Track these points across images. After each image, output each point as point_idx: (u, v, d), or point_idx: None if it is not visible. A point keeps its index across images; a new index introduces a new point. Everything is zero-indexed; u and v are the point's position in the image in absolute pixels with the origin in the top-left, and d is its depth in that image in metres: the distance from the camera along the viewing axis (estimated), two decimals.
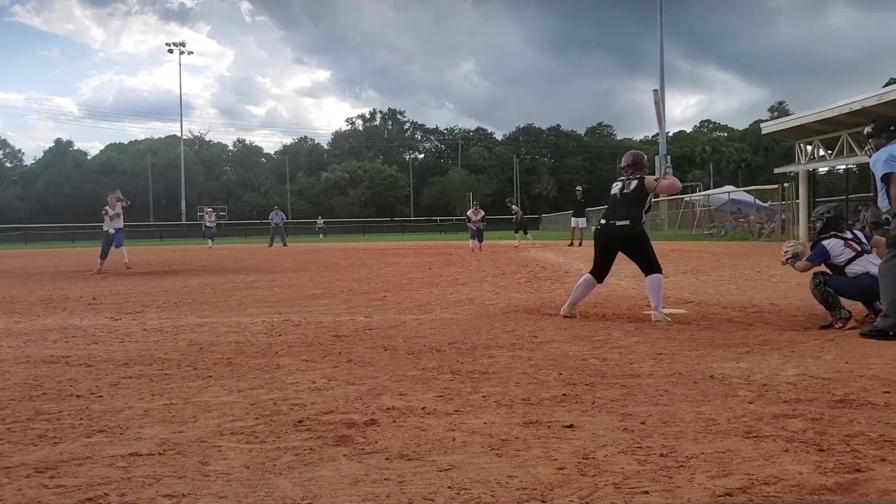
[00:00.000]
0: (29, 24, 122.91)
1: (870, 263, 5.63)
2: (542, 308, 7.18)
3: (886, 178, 5.04)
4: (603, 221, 6.35)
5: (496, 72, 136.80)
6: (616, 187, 6.42)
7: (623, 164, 6.51)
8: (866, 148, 5.50)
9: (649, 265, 6.18)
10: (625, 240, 6.24)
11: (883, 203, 5.21)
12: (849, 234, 5.94)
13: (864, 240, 5.93)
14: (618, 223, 6.20)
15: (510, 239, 26.99)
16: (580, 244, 21.72)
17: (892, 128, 5.30)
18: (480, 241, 22.50)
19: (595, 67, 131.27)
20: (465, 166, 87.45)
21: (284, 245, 28.95)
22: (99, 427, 3.04)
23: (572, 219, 23.57)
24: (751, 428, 2.87)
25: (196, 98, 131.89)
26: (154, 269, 13.79)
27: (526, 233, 26.54)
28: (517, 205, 28.03)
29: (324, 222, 56.61)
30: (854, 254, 5.78)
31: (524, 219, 26.71)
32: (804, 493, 2.19)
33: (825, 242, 5.92)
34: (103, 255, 14.59)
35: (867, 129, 5.48)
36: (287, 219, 35.46)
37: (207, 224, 31.21)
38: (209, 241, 30.96)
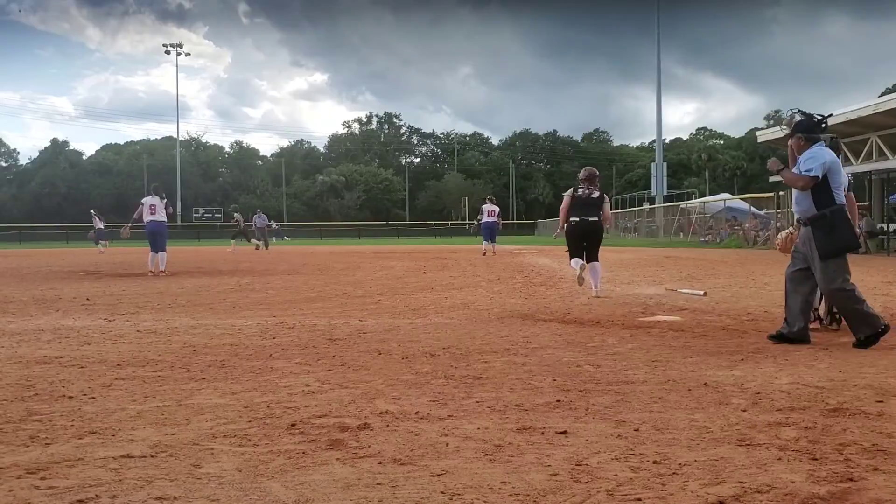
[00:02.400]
0: (25, 23, 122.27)
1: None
2: (536, 314, 7.19)
3: (812, 184, 4.99)
4: (577, 219, 8.49)
5: (494, 76, 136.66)
6: (584, 193, 8.50)
7: (583, 176, 8.63)
8: (784, 131, 5.38)
9: (596, 255, 8.58)
10: (595, 232, 8.52)
11: (803, 204, 5.14)
12: None
13: None
14: (590, 219, 8.47)
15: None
16: None
17: (816, 128, 5.16)
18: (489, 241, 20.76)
19: (592, 73, 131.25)
20: (462, 171, 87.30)
21: (265, 248, 28.55)
22: (91, 428, 3.03)
23: None
24: (744, 436, 2.87)
25: (192, 99, 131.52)
26: (148, 270, 13.74)
27: (248, 240, 27.91)
28: (239, 213, 30.58)
29: (278, 225, 51.66)
30: None
31: (246, 227, 28.84)
32: (797, 501, 2.19)
33: None
34: (164, 248, 13.54)
35: (787, 118, 5.38)
36: (271, 222, 35.54)
37: (97, 227, 28.75)
38: (101, 244, 28.13)
